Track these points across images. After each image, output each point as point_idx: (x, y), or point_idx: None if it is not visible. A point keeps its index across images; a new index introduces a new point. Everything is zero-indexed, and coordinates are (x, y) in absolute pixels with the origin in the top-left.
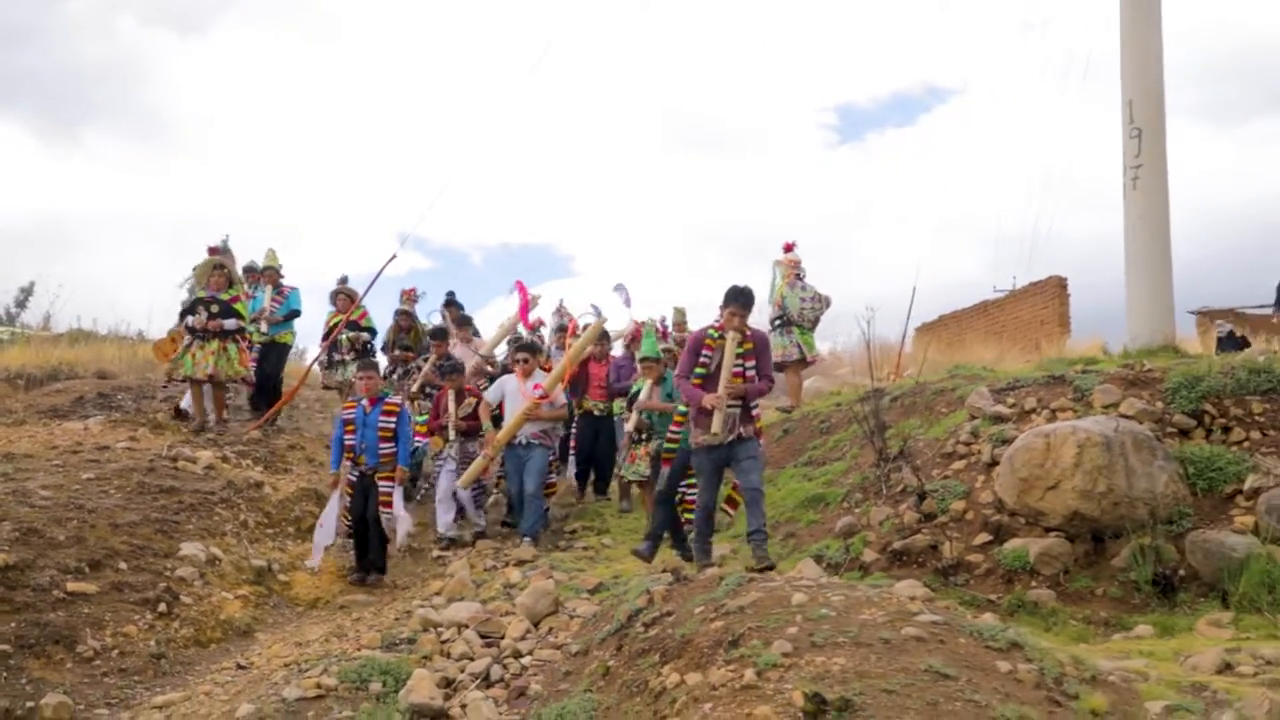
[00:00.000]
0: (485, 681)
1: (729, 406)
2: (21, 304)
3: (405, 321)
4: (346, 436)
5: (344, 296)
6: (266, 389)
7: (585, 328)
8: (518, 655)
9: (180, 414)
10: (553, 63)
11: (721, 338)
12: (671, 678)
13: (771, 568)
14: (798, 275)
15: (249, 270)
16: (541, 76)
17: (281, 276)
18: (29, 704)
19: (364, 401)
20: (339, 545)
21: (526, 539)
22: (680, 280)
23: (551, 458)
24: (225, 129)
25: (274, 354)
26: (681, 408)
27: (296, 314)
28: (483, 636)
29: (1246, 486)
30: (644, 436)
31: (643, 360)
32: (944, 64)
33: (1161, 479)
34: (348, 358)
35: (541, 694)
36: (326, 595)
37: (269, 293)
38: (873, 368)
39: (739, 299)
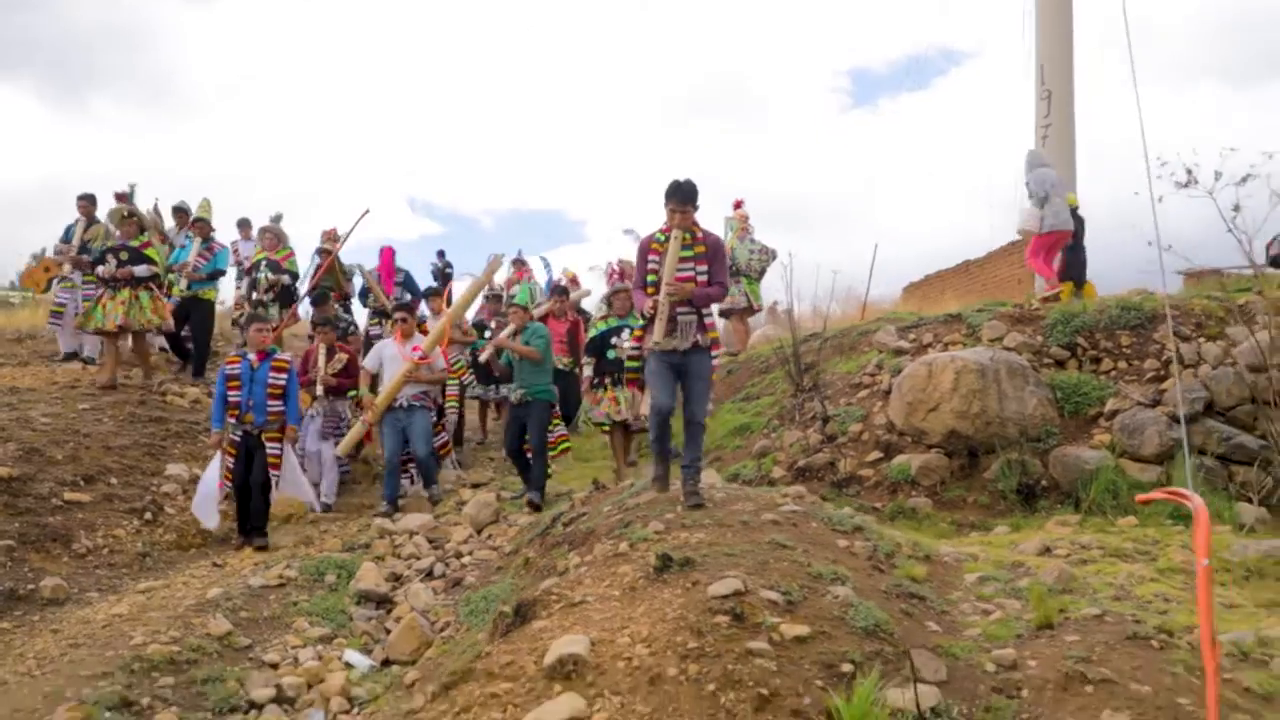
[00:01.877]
0: (429, 576)
1: (682, 315)
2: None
3: (323, 260)
4: (230, 393)
5: (270, 234)
6: (198, 345)
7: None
8: (459, 556)
9: (71, 358)
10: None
11: (667, 240)
12: (572, 559)
13: (700, 507)
14: (746, 230)
15: (180, 211)
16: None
17: (213, 230)
18: (30, 586)
19: (251, 356)
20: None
21: (433, 487)
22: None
23: (434, 418)
24: (235, 93)
25: (197, 311)
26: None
27: (221, 273)
28: (430, 541)
29: (1107, 409)
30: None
31: (511, 306)
32: (958, 26)
33: (1031, 402)
34: (266, 298)
35: (474, 584)
36: (299, 512)
37: (197, 245)
38: (794, 316)
39: (676, 194)
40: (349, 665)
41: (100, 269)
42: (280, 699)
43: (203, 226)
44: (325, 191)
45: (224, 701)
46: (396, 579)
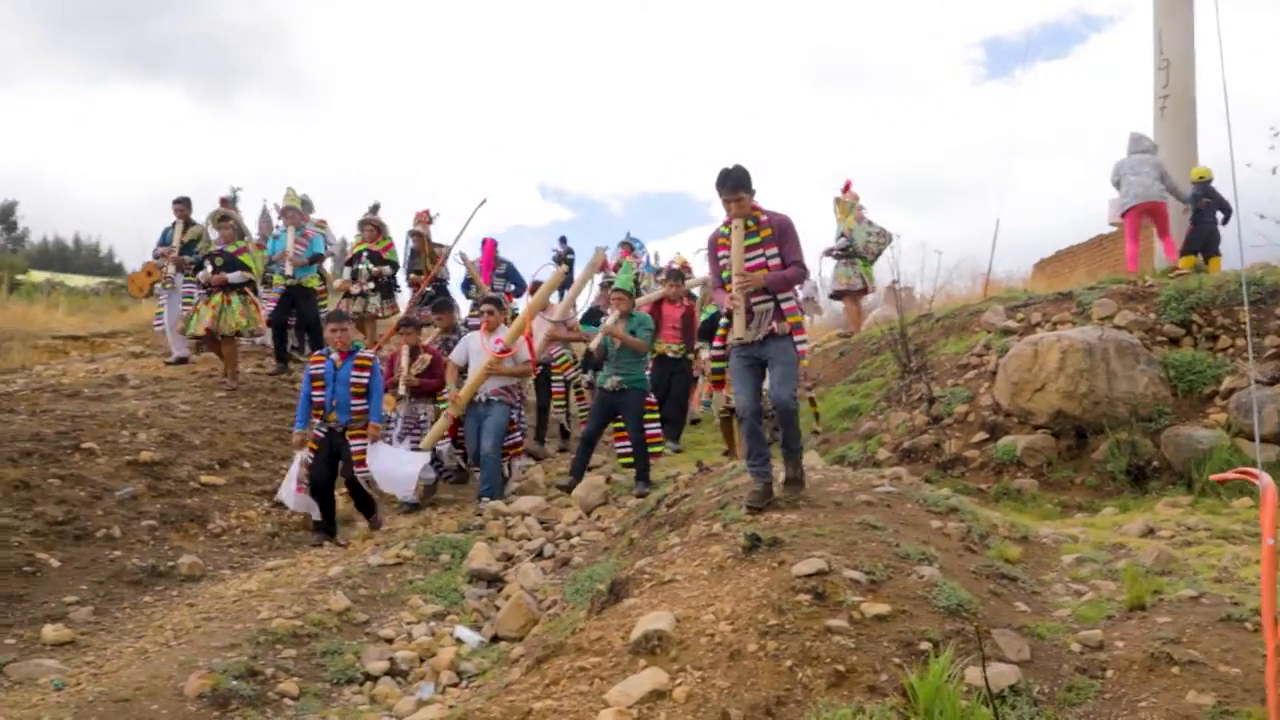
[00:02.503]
0: (539, 556)
1: (758, 304)
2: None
3: (417, 244)
4: (315, 393)
5: (371, 226)
6: (310, 329)
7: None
8: (568, 537)
9: (182, 362)
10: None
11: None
12: (672, 539)
13: (798, 485)
14: (861, 212)
15: (291, 211)
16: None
17: (305, 218)
18: (170, 563)
19: (334, 355)
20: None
21: (484, 500)
22: (825, 223)
23: (514, 416)
24: (368, 84)
25: (302, 298)
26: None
27: (321, 257)
28: (541, 523)
29: (1222, 387)
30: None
31: (614, 291)
32: None
33: (1142, 381)
34: (367, 289)
35: (581, 564)
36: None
37: (291, 234)
38: (899, 296)
39: (725, 183)
40: (459, 641)
41: (200, 274)
42: (394, 672)
43: (294, 215)
44: (457, 179)
45: (341, 673)
46: (508, 559)
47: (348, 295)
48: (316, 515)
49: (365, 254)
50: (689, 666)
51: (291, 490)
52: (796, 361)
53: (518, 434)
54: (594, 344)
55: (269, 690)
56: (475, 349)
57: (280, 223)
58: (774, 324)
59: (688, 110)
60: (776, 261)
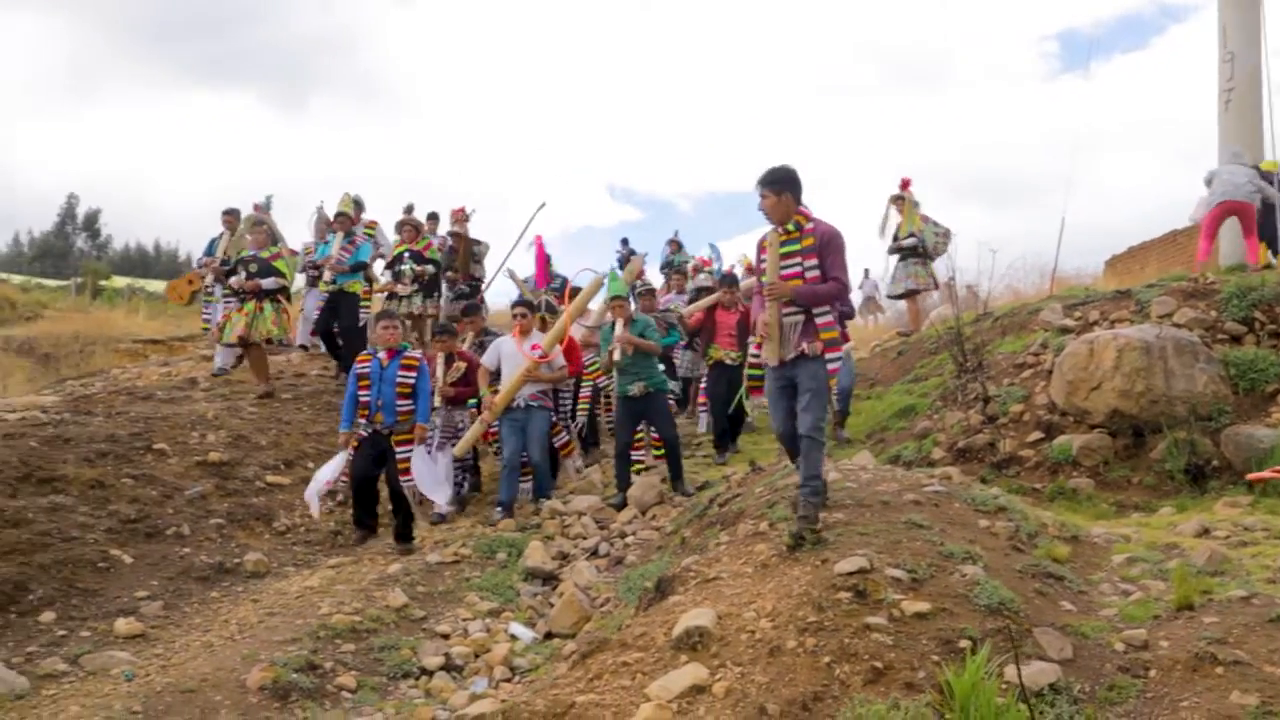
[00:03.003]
0: (594, 555)
1: (787, 316)
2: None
3: (455, 242)
4: (361, 392)
5: (409, 226)
6: (346, 337)
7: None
8: (623, 535)
9: (223, 374)
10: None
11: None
12: (720, 537)
13: (809, 532)
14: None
15: (341, 217)
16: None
17: (354, 224)
18: (236, 560)
19: (381, 354)
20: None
21: (541, 500)
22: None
23: (554, 419)
24: (438, 88)
25: (344, 305)
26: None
27: (364, 265)
28: (597, 522)
29: None
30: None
31: (612, 299)
32: None
33: (1201, 379)
34: (411, 290)
35: (635, 562)
36: (481, 494)
37: (339, 240)
38: (955, 295)
39: (765, 180)
40: (514, 637)
41: (232, 280)
42: (449, 667)
43: (344, 221)
44: (526, 181)
45: (398, 667)
46: (563, 557)
47: (392, 296)
48: (314, 511)
49: (407, 254)
50: (729, 662)
51: (317, 490)
52: (826, 386)
53: (564, 434)
54: (616, 355)
55: (328, 683)
56: (508, 353)
57: (313, 230)
58: (805, 344)
59: (756, 109)
60: (815, 274)
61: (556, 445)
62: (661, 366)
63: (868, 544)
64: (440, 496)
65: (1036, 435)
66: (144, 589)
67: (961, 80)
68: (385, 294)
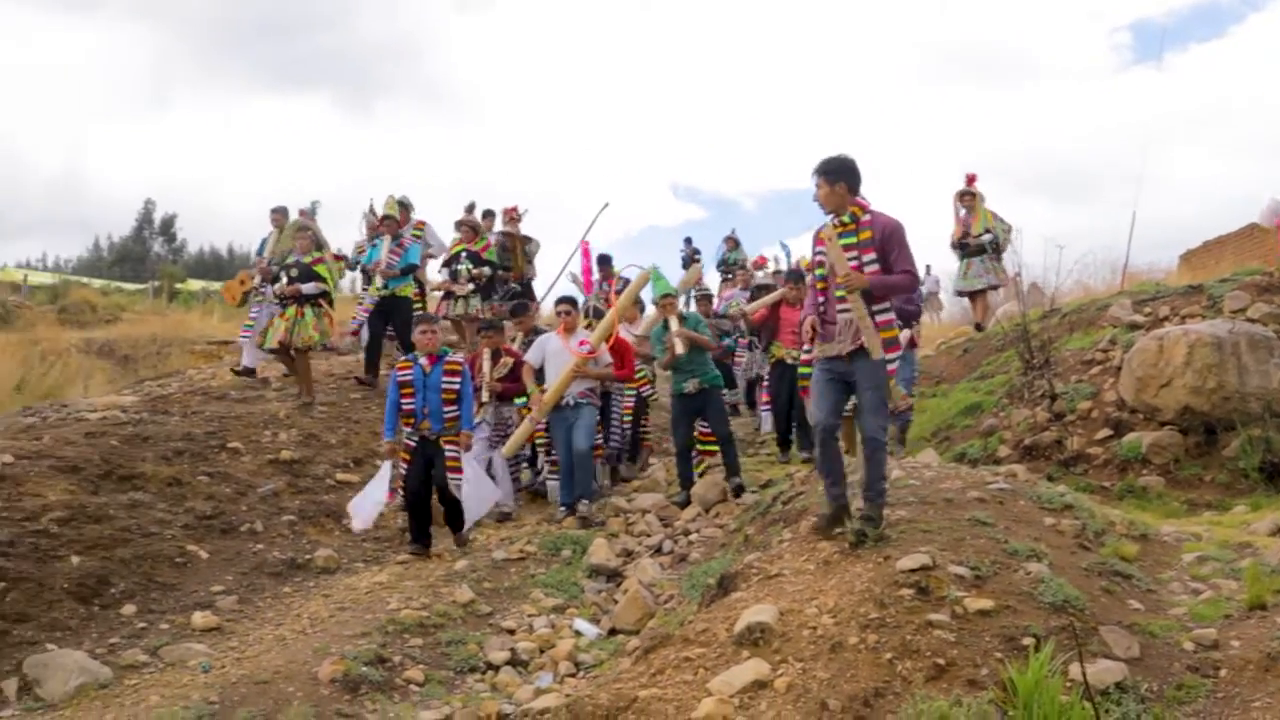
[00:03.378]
0: (658, 552)
1: (843, 311)
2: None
3: (508, 242)
4: (403, 400)
5: (468, 226)
6: (403, 342)
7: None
8: (687, 533)
9: (249, 373)
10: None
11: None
12: (783, 534)
13: (871, 530)
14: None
15: (388, 220)
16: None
17: (401, 227)
18: (307, 556)
19: (422, 360)
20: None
21: (584, 502)
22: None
23: (599, 418)
24: (502, 91)
25: (397, 310)
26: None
27: (414, 268)
28: (661, 519)
29: None
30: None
31: (661, 298)
32: None
33: (1276, 376)
34: (468, 290)
35: (698, 560)
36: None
37: (387, 244)
38: (1022, 291)
39: (820, 169)
40: (578, 633)
41: (275, 286)
42: (514, 662)
43: (391, 224)
44: (590, 181)
45: (464, 662)
46: (628, 554)
47: (448, 296)
48: (357, 528)
49: (464, 254)
50: (790, 658)
51: (366, 507)
52: (887, 384)
53: (600, 436)
54: (680, 349)
55: (396, 677)
56: (553, 350)
57: (364, 228)
58: (865, 339)
59: (821, 104)
60: (874, 268)
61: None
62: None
63: (930, 541)
64: (482, 509)
65: (1105, 432)
66: (219, 584)
67: (1028, 72)
68: (442, 293)
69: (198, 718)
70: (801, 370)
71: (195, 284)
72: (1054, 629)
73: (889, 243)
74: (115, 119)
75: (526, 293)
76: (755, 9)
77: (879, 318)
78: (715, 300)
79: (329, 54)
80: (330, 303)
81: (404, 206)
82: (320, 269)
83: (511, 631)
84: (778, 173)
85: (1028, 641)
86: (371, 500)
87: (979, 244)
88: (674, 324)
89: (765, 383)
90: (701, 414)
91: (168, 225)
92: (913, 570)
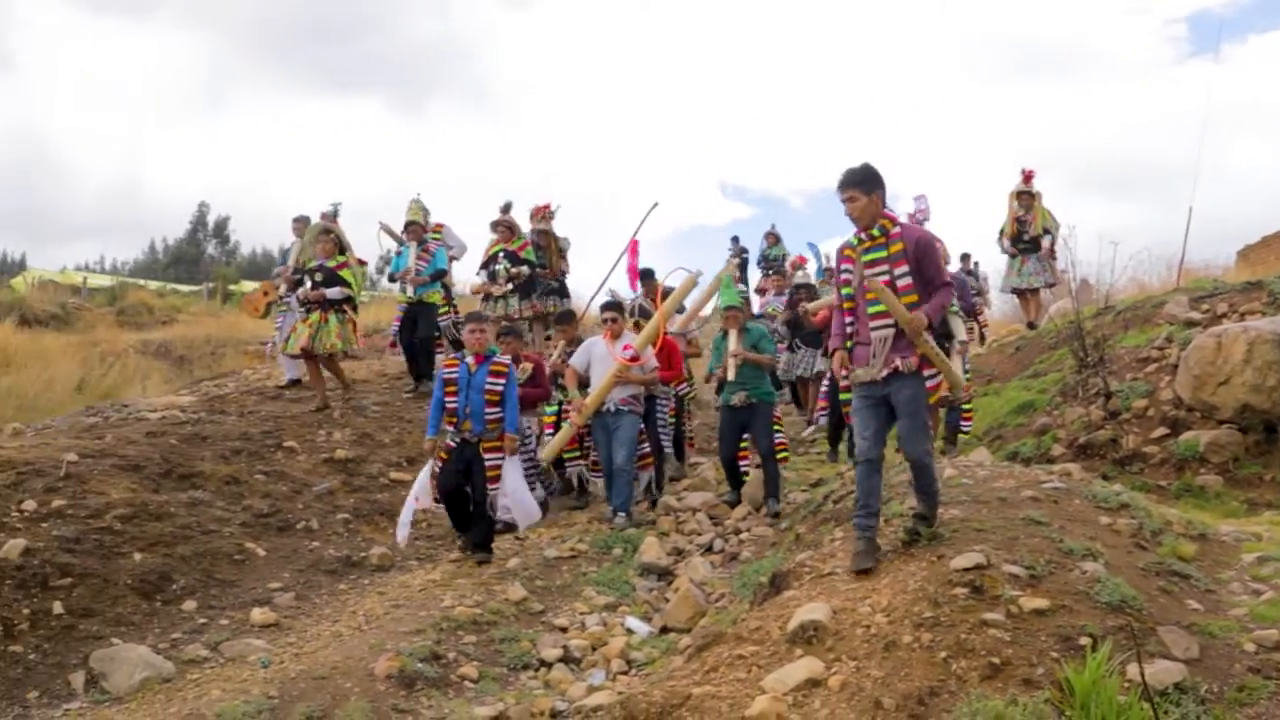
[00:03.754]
0: (708, 551)
1: (876, 328)
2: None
3: (542, 240)
4: (447, 399)
5: (504, 226)
6: (424, 352)
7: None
8: (737, 532)
9: (295, 384)
10: None
11: (860, 243)
12: (835, 533)
13: (925, 528)
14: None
15: (413, 226)
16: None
17: (426, 232)
18: (362, 554)
19: (469, 359)
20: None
21: (619, 515)
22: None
23: (642, 426)
24: (549, 90)
25: (423, 316)
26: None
27: (443, 273)
28: (711, 518)
29: None
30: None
31: (725, 310)
32: None
33: None
34: (506, 290)
35: (749, 558)
36: (599, 492)
37: (413, 250)
38: (1074, 289)
39: (853, 181)
40: (630, 631)
41: (299, 291)
42: (567, 659)
43: (416, 230)
44: (638, 180)
45: (518, 659)
46: (678, 553)
47: (487, 298)
48: (403, 533)
49: (501, 254)
50: (844, 656)
51: (410, 513)
52: (927, 404)
53: (646, 445)
54: (730, 374)
55: (451, 673)
56: (599, 355)
57: (382, 237)
58: (898, 359)
59: (870, 101)
60: (906, 281)
61: (638, 456)
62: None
63: (984, 540)
64: (525, 521)
65: (1161, 431)
66: (277, 580)
67: (1083, 66)
68: (481, 295)
69: (258, 712)
70: (842, 396)
71: (249, 285)
72: (1111, 629)
73: (923, 256)
74: (170, 124)
75: (562, 290)
76: (802, 6)
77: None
78: (755, 303)
79: (379, 56)
80: (354, 308)
81: (423, 210)
82: (345, 274)
83: (564, 629)
84: (826, 170)
85: (1084, 641)
86: (412, 505)
87: (1031, 241)
88: (732, 342)
89: (824, 386)
90: (747, 427)
91: (221, 227)
92: (967, 569)
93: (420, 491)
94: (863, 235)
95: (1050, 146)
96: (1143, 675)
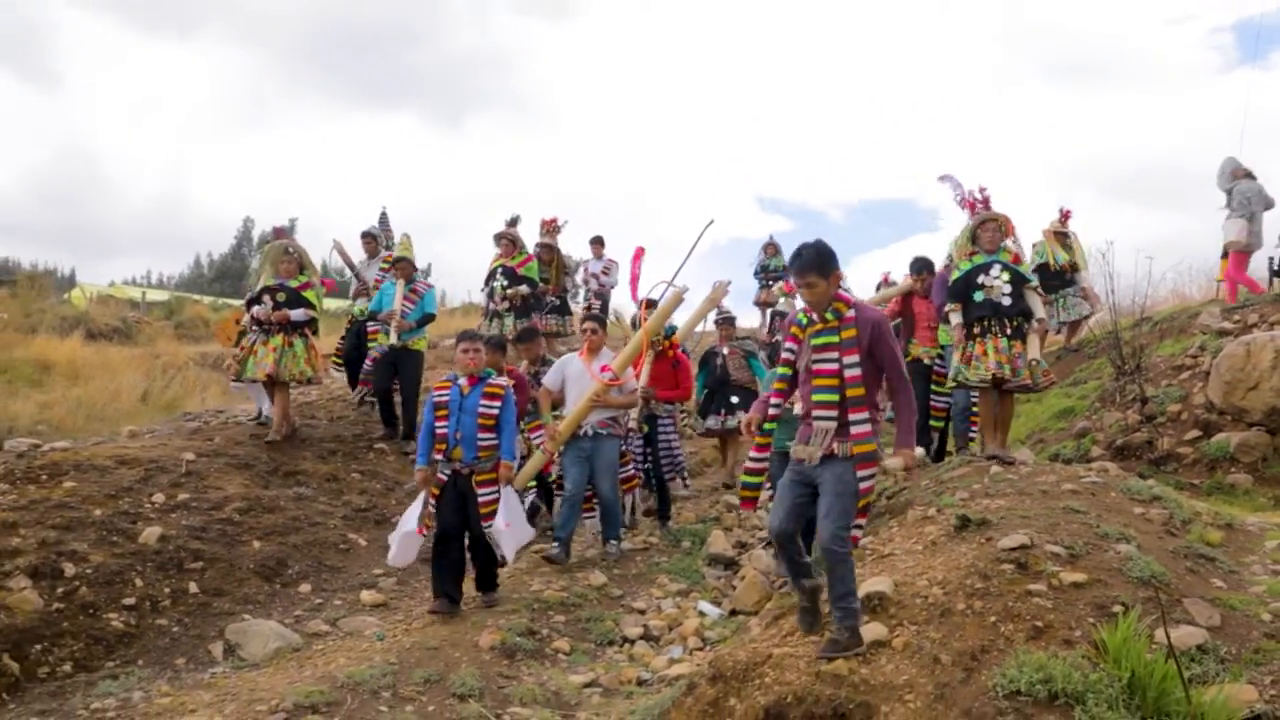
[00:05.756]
0: (768, 544)
1: (819, 417)
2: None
3: (546, 255)
4: (438, 423)
5: (507, 240)
6: (406, 401)
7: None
8: None
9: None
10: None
11: (810, 324)
12: (890, 524)
13: (849, 654)
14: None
15: (368, 236)
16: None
17: (416, 270)
18: None
19: (462, 381)
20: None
21: (612, 543)
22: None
23: (623, 448)
24: (588, 105)
25: (407, 364)
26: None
27: (431, 318)
28: None
29: None
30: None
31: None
32: None
33: None
34: (502, 308)
35: None
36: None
37: (400, 290)
38: (1113, 297)
39: (810, 265)
40: (702, 614)
41: (255, 310)
42: (647, 637)
43: (405, 267)
44: (676, 194)
45: (603, 636)
46: (742, 546)
47: (485, 314)
48: (403, 559)
49: (500, 270)
50: (905, 622)
51: (401, 542)
52: (855, 493)
53: (630, 467)
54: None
55: (546, 646)
56: (574, 373)
57: (379, 264)
58: (835, 444)
59: (909, 111)
60: (855, 372)
61: (620, 479)
62: (735, 399)
63: (1028, 525)
64: (515, 546)
65: (1194, 433)
66: (379, 567)
67: (1126, 75)
68: (484, 316)
69: (383, 675)
70: (745, 479)
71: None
72: (1141, 599)
73: (876, 341)
74: (215, 140)
75: (564, 308)
76: (834, 20)
77: (855, 429)
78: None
79: (419, 70)
80: (316, 331)
81: (382, 221)
82: (309, 294)
83: (642, 611)
84: (866, 182)
85: (1117, 609)
86: (403, 533)
87: (1058, 274)
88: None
89: None
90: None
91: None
92: (1012, 549)
93: (407, 523)
94: (814, 316)
95: (1088, 155)
96: (1168, 635)
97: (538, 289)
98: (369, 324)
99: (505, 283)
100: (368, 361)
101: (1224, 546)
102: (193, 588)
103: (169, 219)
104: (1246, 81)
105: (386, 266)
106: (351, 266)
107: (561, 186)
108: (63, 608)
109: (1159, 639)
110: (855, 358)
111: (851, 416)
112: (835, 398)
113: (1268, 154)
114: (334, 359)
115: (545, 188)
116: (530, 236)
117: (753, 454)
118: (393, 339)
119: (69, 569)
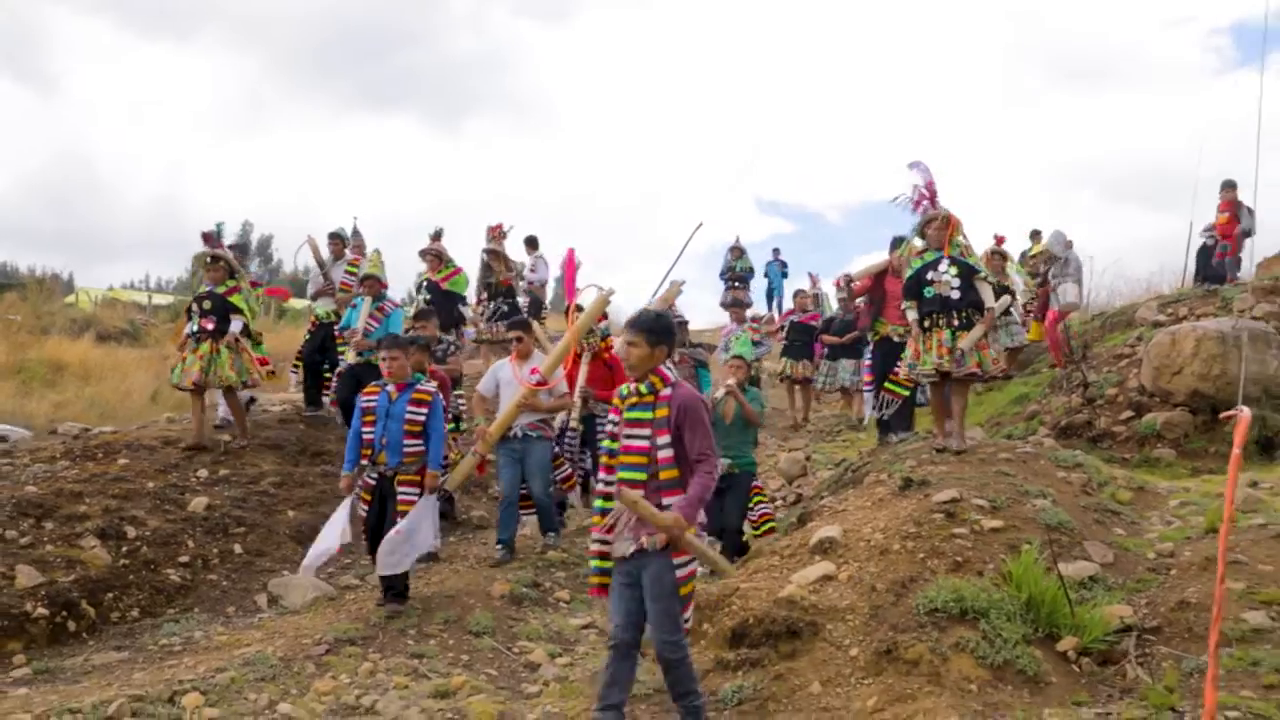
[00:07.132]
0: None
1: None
2: (316, 297)
3: (492, 261)
4: (365, 429)
5: (431, 255)
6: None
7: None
8: (773, 500)
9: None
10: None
11: (628, 395)
12: (850, 491)
13: None
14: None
15: (336, 237)
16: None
17: (384, 287)
18: (464, 515)
19: (389, 387)
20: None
21: (550, 534)
22: (1047, 225)
23: (556, 449)
24: (588, 108)
25: (371, 379)
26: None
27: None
28: None
29: None
30: None
31: (732, 359)
32: None
33: (1273, 364)
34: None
35: (783, 517)
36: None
37: (366, 306)
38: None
39: (634, 323)
40: None
41: (189, 324)
42: None
43: (373, 284)
44: (672, 198)
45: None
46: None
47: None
48: (306, 563)
49: (424, 284)
50: (850, 560)
51: (330, 548)
52: (675, 593)
53: (565, 467)
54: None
55: (549, 596)
56: (506, 379)
57: (344, 264)
58: (643, 536)
59: (905, 113)
60: (667, 454)
61: (557, 479)
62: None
63: (961, 484)
64: (409, 558)
65: (1128, 414)
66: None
67: (1125, 76)
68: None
69: (410, 616)
70: (596, 564)
71: (299, 303)
72: (1047, 541)
73: (687, 423)
74: (213, 143)
75: (514, 311)
76: (833, 20)
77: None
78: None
79: (417, 72)
80: (249, 336)
81: (355, 234)
82: (236, 299)
83: None
84: (865, 184)
85: (1025, 548)
86: (324, 546)
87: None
88: (723, 391)
89: (868, 361)
90: (720, 496)
91: (264, 245)
92: (944, 502)
93: (337, 534)
94: (632, 388)
95: (1088, 156)
96: (1056, 564)
97: (465, 302)
98: (342, 333)
99: (427, 296)
100: (335, 375)
101: (1132, 505)
102: (237, 549)
103: (167, 222)
104: (1253, 84)
105: (353, 271)
106: (321, 264)
107: (561, 188)
108: (128, 564)
109: (1059, 571)
110: (667, 437)
111: (665, 500)
112: (643, 476)
113: (1268, 155)
114: (294, 361)
115: (545, 189)
116: (477, 244)
117: (595, 535)
118: (350, 357)
119: (130, 531)
